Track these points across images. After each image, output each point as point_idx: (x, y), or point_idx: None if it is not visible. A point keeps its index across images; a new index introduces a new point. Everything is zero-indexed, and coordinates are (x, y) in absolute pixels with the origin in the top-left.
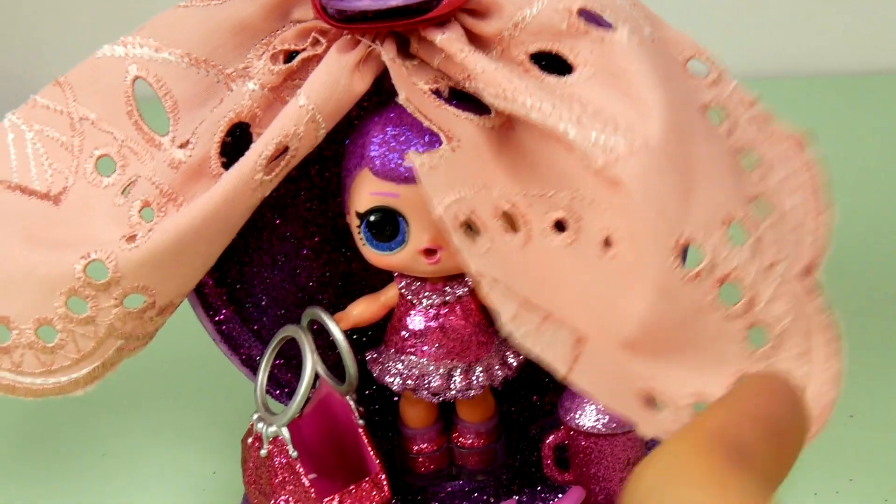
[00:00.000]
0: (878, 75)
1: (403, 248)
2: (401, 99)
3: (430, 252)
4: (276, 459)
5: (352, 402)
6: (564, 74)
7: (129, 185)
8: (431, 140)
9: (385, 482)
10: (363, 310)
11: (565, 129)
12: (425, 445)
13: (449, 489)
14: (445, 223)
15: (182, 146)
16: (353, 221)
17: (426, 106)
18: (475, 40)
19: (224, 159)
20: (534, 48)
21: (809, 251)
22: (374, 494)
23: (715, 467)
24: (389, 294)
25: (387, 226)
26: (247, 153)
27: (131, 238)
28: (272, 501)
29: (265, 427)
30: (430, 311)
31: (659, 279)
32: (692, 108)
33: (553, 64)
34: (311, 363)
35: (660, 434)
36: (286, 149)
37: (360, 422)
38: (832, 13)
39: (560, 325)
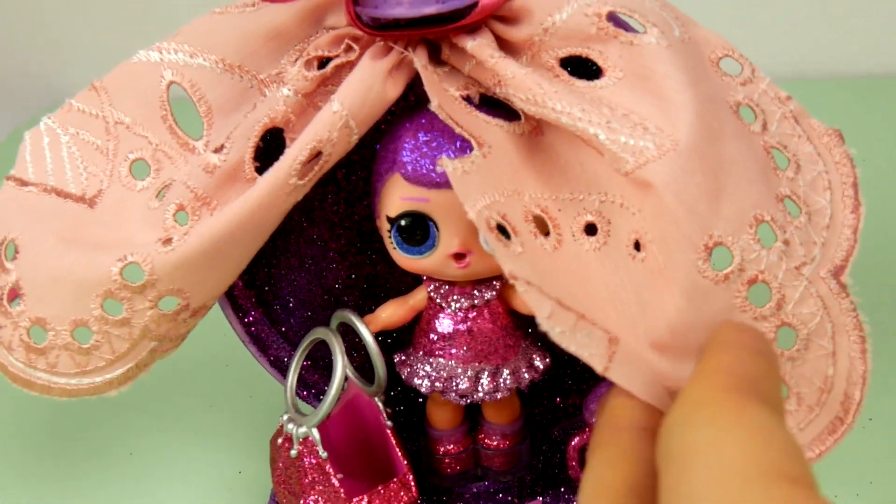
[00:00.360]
0: (889, 78)
1: (433, 253)
2: (433, 106)
3: (459, 256)
4: (306, 460)
5: (380, 404)
6: (594, 79)
7: (163, 188)
8: (462, 146)
9: (413, 483)
10: (392, 312)
11: (595, 132)
12: (451, 447)
13: (474, 490)
14: (479, 226)
15: (216, 151)
16: (384, 226)
17: (457, 112)
18: (505, 46)
19: (257, 164)
20: (563, 53)
21: (838, 252)
22: (402, 495)
23: (734, 402)
24: (418, 297)
25: (417, 230)
26: (281, 158)
27: (167, 241)
28: (301, 501)
29: (295, 428)
30: (459, 314)
31: (688, 281)
32: (723, 107)
33: (582, 68)
34: (341, 365)
35: None
36: (319, 153)
37: (389, 423)
38: (840, 16)
39: (593, 325)
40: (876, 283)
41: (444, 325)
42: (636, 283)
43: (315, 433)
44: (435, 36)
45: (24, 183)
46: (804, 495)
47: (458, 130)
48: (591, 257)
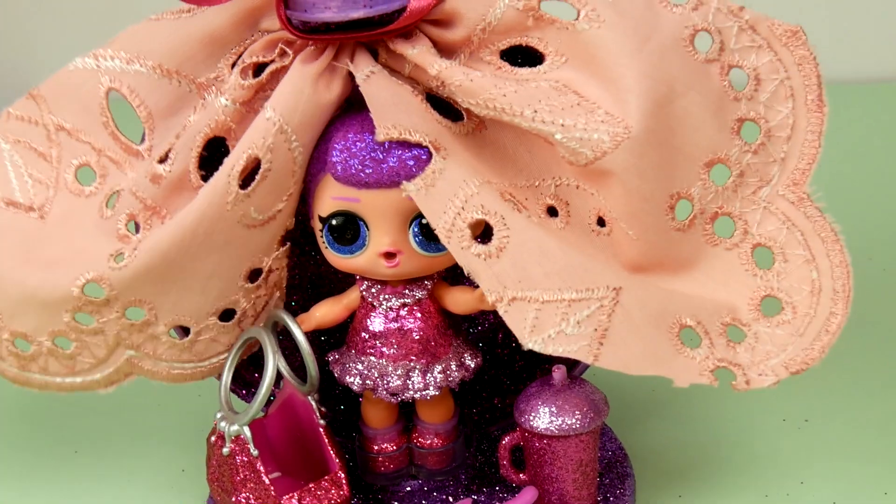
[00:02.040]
0: (867, 84)
1: (364, 252)
2: (379, 135)
3: (389, 255)
4: (238, 458)
5: (314, 402)
6: (536, 65)
7: (112, 195)
8: (390, 145)
9: (344, 481)
10: (326, 311)
11: (551, 132)
12: (385, 445)
13: (408, 488)
14: (451, 243)
15: (161, 161)
16: (317, 225)
17: (413, 115)
18: (442, 47)
19: (203, 172)
20: (504, 45)
21: (801, 162)
22: (333, 493)
23: None
24: (352, 297)
25: (348, 230)
26: (220, 168)
27: (119, 255)
28: (233, 499)
29: (227, 426)
30: (391, 312)
31: (663, 240)
32: (673, 54)
33: (522, 56)
34: (272, 364)
35: (696, 380)
36: (258, 161)
37: (322, 421)
38: (824, 20)
39: (584, 304)
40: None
41: (376, 323)
42: (605, 251)
43: (246, 431)
44: (368, 40)
45: None
46: None
47: (414, 139)
48: (561, 234)
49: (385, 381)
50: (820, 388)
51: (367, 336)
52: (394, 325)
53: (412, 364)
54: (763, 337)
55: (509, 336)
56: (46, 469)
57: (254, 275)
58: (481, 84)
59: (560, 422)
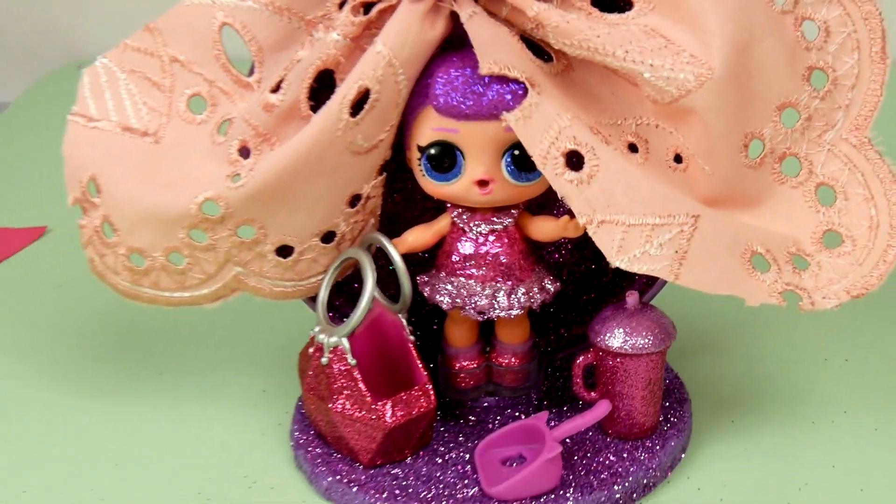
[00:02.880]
0: None
1: (459, 179)
2: (482, 69)
3: (483, 183)
4: (336, 367)
5: (404, 320)
6: (624, 12)
7: (223, 122)
8: (490, 80)
9: (432, 392)
10: (418, 236)
11: (640, 70)
12: (466, 363)
13: (485, 404)
14: (547, 169)
15: (274, 91)
16: (414, 155)
17: (510, 54)
18: None
19: (312, 102)
20: None
21: (864, 108)
22: (422, 402)
23: None
24: (441, 223)
25: (445, 158)
26: (332, 97)
27: (235, 176)
28: (330, 405)
29: (326, 337)
30: (480, 238)
31: (736, 175)
32: (752, 4)
33: (608, 8)
34: (371, 278)
35: (766, 301)
36: (368, 92)
37: (411, 338)
38: None
39: (666, 228)
40: None
41: (466, 247)
42: (681, 187)
43: (345, 342)
44: None
45: (89, 119)
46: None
47: (512, 75)
48: (643, 168)
49: (473, 301)
50: (857, 330)
51: (457, 259)
52: (483, 250)
53: (498, 285)
54: (825, 266)
55: (574, 274)
56: (133, 389)
57: (354, 200)
58: (577, 25)
59: (633, 341)
